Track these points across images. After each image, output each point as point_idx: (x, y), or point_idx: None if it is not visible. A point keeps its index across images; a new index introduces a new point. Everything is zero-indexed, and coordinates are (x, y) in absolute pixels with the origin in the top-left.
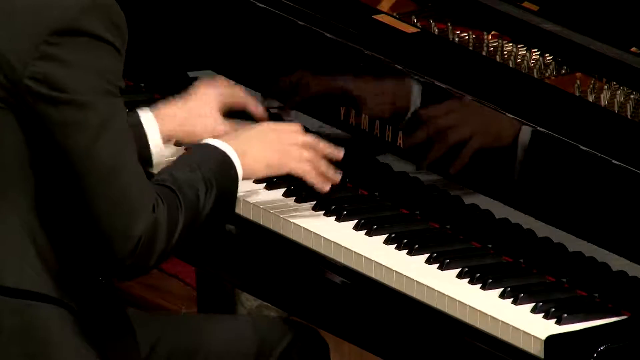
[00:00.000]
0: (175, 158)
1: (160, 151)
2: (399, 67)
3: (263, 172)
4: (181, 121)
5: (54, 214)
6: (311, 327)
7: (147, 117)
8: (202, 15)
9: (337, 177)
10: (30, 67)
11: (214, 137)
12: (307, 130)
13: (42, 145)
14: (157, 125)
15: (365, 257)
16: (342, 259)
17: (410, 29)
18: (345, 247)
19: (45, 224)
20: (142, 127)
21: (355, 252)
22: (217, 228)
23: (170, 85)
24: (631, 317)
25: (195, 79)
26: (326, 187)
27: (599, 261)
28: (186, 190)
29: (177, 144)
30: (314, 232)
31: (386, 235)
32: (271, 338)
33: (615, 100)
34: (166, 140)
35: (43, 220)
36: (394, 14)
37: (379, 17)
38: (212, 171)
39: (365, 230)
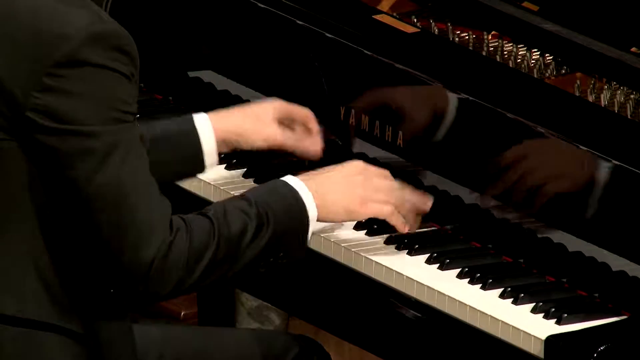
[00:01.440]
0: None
1: (213, 153)
2: (399, 67)
3: (343, 217)
4: (237, 123)
5: (58, 239)
6: (315, 341)
7: (200, 119)
8: (203, 16)
9: (415, 226)
10: (32, 99)
11: (291, 173)
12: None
13: (46, 174)
14: (211, 126)
15: (365, 256)
16: (342, 259)
17: (410, 29)
18: (345, 247)
19: (49, 250)
20: (195, 128)
21: (355, 252)
22: (282, 269)
23: (170, 85)
24: (631, 317)
25: (196, 79)
26: (405, 230)
27: (599, 261)
28: (231, 222)
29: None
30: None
31: (386, 236)
32: (275, 352)
33: (615, 100)
34: (221, 143)
35: (47, 247)
36: (394, 14)
37: (379, 17)
38: (273, 208)
39: (365, 230)
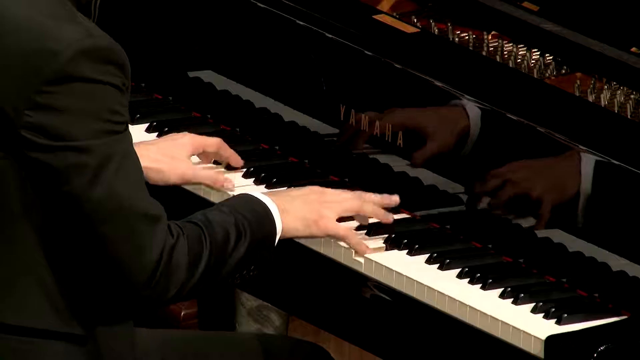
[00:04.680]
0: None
1: None
2: (399, 67)
3: (302, 231)
4: (151, 160)
5: (60, 251)
6: (317, 345)
7: None
8: (203, 16)
9: (390, 216)
10: (24, 117)
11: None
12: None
13: (43, 189)
14: None
15: (365, 257)
16: (342, 259)
17: (410, 29)
18: (345, 248)
19: (50, 261)
20: None
21: (355, 252)
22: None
23: (170, 85)
24: (631, 317)
25: (196, 79)
26: (365, 249)
27: (599, 261)
28: (216, 230)
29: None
30: None
31: (386, 236)
32: (277, 356)
33: (615, 100)
34: None
35: (48, 258)
36: (394, 14)
37: (379, 17)
38: (248, 219)
39: (365, 231)
